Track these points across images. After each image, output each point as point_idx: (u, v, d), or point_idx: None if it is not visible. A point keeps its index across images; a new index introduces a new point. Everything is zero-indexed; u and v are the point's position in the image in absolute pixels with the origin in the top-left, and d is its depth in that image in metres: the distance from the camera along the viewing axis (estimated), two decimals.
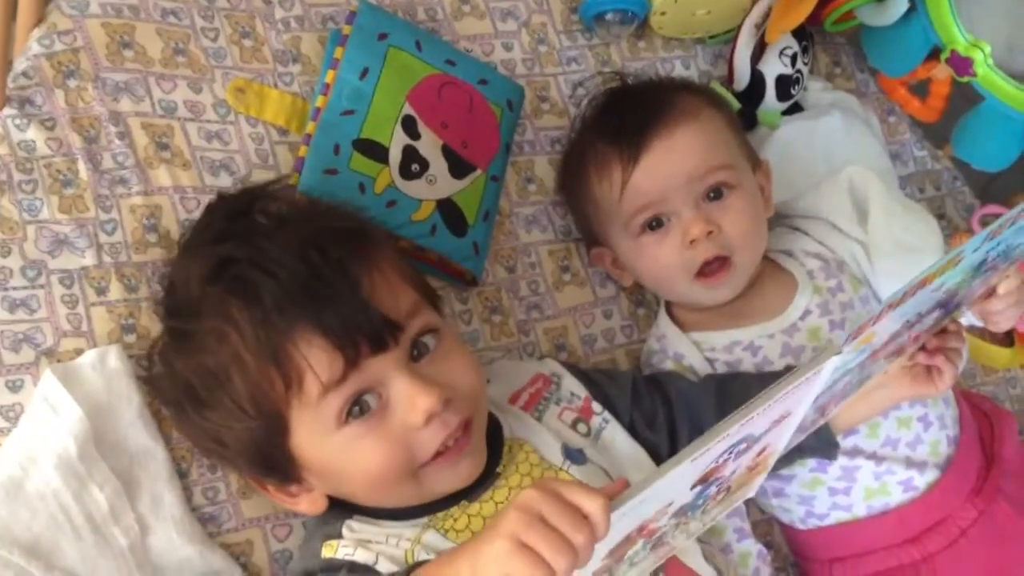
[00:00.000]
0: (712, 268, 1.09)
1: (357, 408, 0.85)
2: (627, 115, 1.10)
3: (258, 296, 0.83)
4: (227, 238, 0.88)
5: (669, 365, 1.12)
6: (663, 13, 1.28)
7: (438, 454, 0.86)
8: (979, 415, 1.16)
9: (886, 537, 1.07)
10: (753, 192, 1.12)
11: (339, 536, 0.89)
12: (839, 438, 1.01)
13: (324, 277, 0.83)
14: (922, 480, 1.07)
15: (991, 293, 0.97)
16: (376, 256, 0.89)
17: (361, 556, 0.86)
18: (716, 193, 1.08)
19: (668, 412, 1.03)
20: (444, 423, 0.85)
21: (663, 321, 1.16)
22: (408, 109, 1.10)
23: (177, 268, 0.93)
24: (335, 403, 0.84)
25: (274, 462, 0.88)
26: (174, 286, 0.92)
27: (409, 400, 0.84)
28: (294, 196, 1.00)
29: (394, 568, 0.84)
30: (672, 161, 1.07)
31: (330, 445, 0.85)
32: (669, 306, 1.17)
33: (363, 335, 0.83)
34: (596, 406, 1.00)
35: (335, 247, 0.85)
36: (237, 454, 0.89)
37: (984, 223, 1.36)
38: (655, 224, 1.09)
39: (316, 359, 0.82)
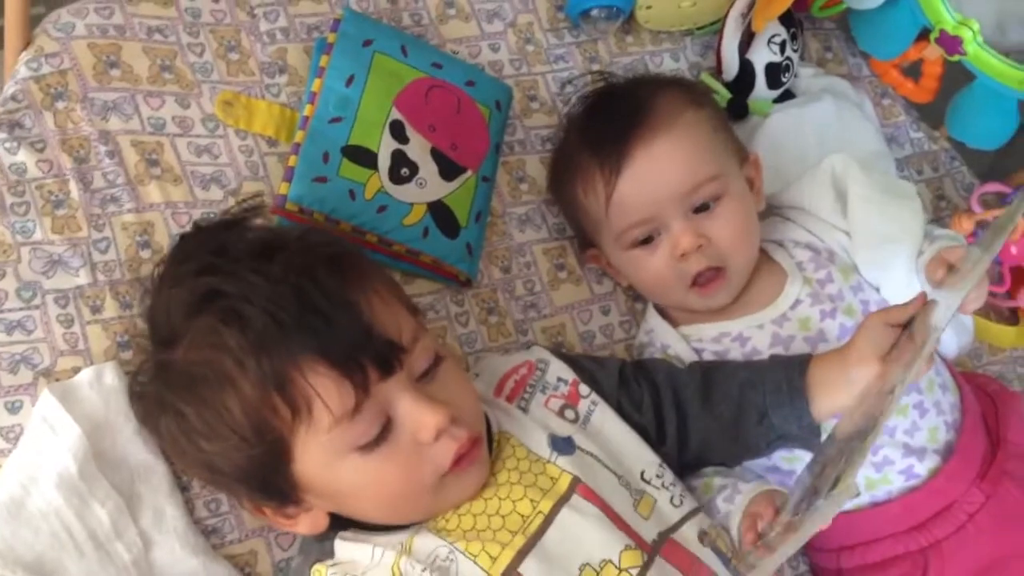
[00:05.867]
0: (706, 278, 1.09)
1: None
2: (606, 123, 1.10)
3: (254, 326, 0.81)
4: (210, 272, 0.85)
5: (657, 356, 1.12)
6: (648, 7, 1.28)
7: (453, 463, 0.87)
8: (983, 398, 1.15)
9: (891, 525, 1.06)
10: (742, 195, 1.11)
11: (331, 555, 0.90)
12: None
13: (320, 307, 0.82)
14: (923, 467, 1.06)
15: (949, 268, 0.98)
16: (371, 279, 0.89)
17: None
18: (704, 205, 1.08)
19: (655, 396, 1.02)
20: (454, 437, 0.86)
21: (651, 315, 1.17)
22: (395, 114, 1.11)
23: (158, 300, 0.90)
24: (353, 433, 0.84)
25: (274, 486, 0.88)
26: (155, 317, 0.90)
27: (418, 419, 0.85)
28: (268, 222, 0.97)
29: None
30: (654, 172, 1.07)
31: (342, 469, 0.85)
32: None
33: (369, 359, 0.83)
34: (584, 389, 1.00)
35: (328, 275, 0.84)
36: (234, 480, 0.88)
37: (984, 201, 1.35)
38: (646, 240, 1.09)
39: (324, 388, 0.82)
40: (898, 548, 1.05)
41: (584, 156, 1.10)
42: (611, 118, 1.10)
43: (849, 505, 1.06)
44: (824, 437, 0.98)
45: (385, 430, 0.85)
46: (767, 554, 0.82)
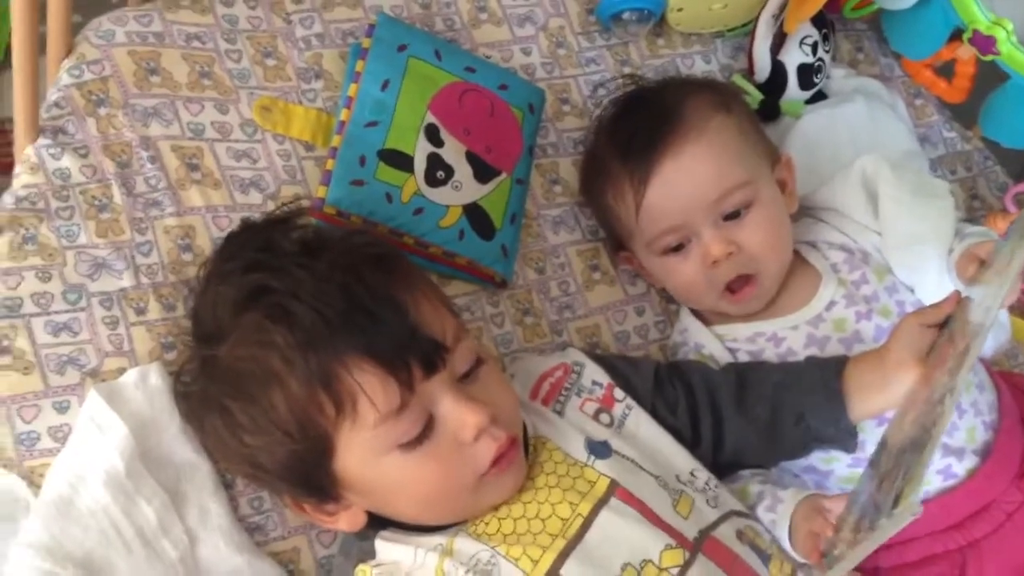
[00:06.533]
0: (738, 284, 1.09)
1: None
2: (635, 131, 1.10)
3: (302, 324, 0.83)
4: (257, 268, 0.87)
5: (692, 356, 1.12)
6: (680, 9, 1.28)
7: (492, 464, 0.88)
8: (1021, 397, 1.15)
9: (929, 524, 1.05)
10: (773, 200, 1.11)
11: (372, 555, 0.91)
12: (873, 425, 1.00)
13: (367, 305, 0.84)
14: (961, 467, 1.05)
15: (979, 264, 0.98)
16: (415, 279, 0.90)
17: None
18: (734, 212, 1.08)
19: (690, 400, 1.03)
20: (494, 437, 0.88)
21: (685, 315, 1.17)
22: (430, 117, 1.12)
23: (204, 297, 0.92)
24: (397, 431, 0.85)
25: (315, 482, 0.89)
26: (201, 314, 0.92)
27: (459, 418, 0.86)
28: (309, 222, 0.99)
29: None
30: (683, 182, 1.07)
31: (383, 467, 0.86)
32: None
33: (415, 358, 0.84)
34: (619, 393, 1.00)
35: (374, 274, 0.86)
36: (275, 476, 0.90)
37: (1018, 201, 1.35)
38: (677, 247, 1.09)
39: (370, 386, 0.83)
40: (936, 547, 1.05)
41: (614, 164, 1.11)
42: (640, 124, 1.10)
43: None
44: (861, 438, 0.99)
45: (427, 429, 0.86)
46: (826, 569, 0.82)
